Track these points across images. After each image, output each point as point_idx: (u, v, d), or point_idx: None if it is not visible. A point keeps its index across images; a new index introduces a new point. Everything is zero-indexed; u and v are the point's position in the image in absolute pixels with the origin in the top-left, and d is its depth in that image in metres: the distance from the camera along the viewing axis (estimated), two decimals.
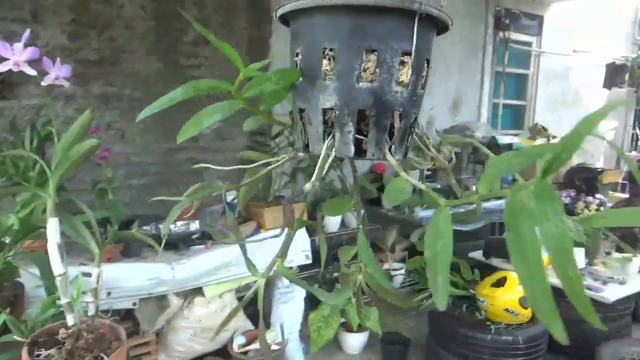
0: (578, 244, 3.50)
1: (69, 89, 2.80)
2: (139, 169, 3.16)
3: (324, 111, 0.75)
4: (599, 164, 6.09)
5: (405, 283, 3.64)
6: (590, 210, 3.67)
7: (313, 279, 3.29)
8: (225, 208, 0.90)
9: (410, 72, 0.76)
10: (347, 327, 3.13)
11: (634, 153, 7.11)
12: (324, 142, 0.75)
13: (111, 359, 0.86)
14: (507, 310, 2.76)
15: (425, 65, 0.78)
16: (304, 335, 2.98)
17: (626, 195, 4.90)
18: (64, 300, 0.87)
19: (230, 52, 0.66)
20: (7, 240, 1.12)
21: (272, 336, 2.70)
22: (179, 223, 2.68)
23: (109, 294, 2.27)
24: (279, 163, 0.93)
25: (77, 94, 2.88)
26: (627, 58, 6.46)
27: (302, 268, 3.05)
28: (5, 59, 1.00)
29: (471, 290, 3.03)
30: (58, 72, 1.07)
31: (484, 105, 5.27)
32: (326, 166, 0.73)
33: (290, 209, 0.76)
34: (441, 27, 0.79)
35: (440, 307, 0.47)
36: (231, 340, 2.67)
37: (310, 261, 2.92)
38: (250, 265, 0.85)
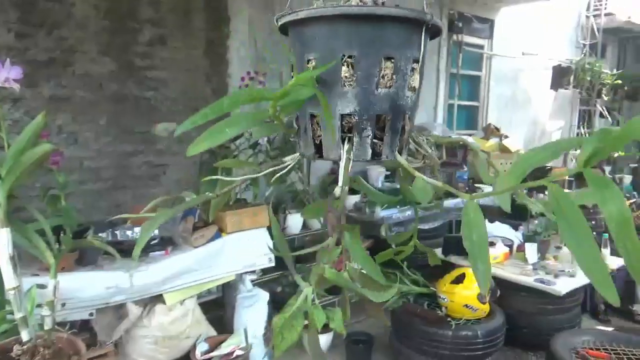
0: (530, 239, 3.64)
1: (16, 90, 2.67)
2: (93, 173, 3.05)
3: (342, 116, 0.77)
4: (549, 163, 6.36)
5: None
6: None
7: (276, 281, 3.27)
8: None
9: (418, 77, 0.82)
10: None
11: (579, 151, 7.47)
12: (342, 147, 0.77)
13: None
14: (466, 306, 2.83)
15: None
16: (268, 339, 2.95)
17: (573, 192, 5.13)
18: (17, 315, 0.83)
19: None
20: None
21: (236, 341, 2.66)
22: (136, 229, 2.60)
23: (63, 305, 2.17)
24: (285, 170, 0.93)
25: (26, 96, 2.75)
26: (572, 61, 6.79)
27: (265, 271, 3.03)
28: None
29: (432, 288, 3.09)
30: (7, 74, 1.02)
31: (439, 106, 5.41)
32: (347, 170, 0.75)
33: (336, 215, 0.75)
34: (434, 34, 0.84)
35: (482, 291, 0.54)
36: (194, 347, 2.61)
37: (273, 264, 2.90)
38: None
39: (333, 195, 0.77)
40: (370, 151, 0.79)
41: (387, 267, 3.43)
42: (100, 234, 2.44)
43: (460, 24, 5.32)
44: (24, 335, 0.85)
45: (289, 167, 0.90)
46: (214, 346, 2.63)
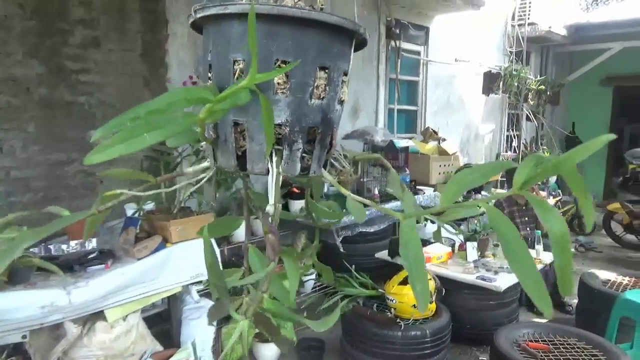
0: (470, 237, 3.79)
1: None
2: (22, 184, 2.83)
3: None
4: (481, 162, 6.67)
5: (317, 287, 3.67)
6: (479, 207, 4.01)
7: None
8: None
9: (347, 91, 0.78)
10: (260, 338, 3.08)
11: (509, 153, 7.90)
12: (271, 160, 0.71)
13: None
14: (414, 306, 2.89)
15: None
16: (217, 351, 2.86)
17: (505, 191, 5.41)
18: None
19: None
20: None
21: (184, 355, 2.56)
22: (72, 243, 2.44)
23: None
24: (198, 185, 0.86)
25: None
26: (501, 67, 7.17)
27: None
28: None
29: (380, 290, 3.14)
30: None
31: (380, 111, 5.52)
32: (278, 186, 0.70)
33: (277, 236, 0.68)
34: (357, 47, 0.81)
35: (421, 310, 0.56)
36: None
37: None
38: None
39: (267, 214, 0.71)
40: (299, 165, 0.74)
41: (336, 270, 3.45)
42: (32, 249, 2.27)
43: (398, 31, 5.46)
44: None
45: (204, 179, 0.82)
46: None
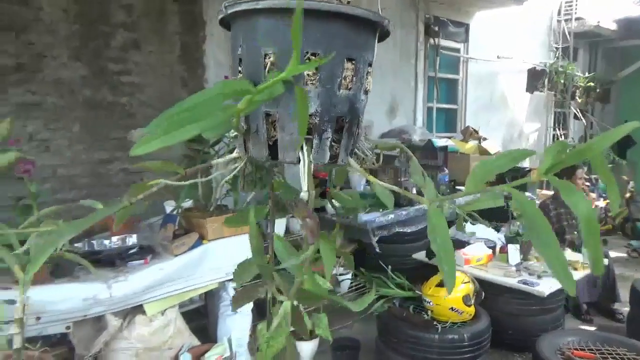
0: (512, 240, 3.66)
1: None
2: (68, 182, 2.94)
3: None
4: (525, 164, 6.46)
5: (353, 287, 3.64)
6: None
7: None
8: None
9: (371, 81, 0.80)
10: (297, 335, 3.08)
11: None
12: (301, 149, 0.73)
13: None
14: (452, 309, 2.82)
15: None
16: (253, 348, 2.89)
17: (551, 192, 5.20)
18: None
19: None
20: None
21: (220, 351, 2.58)
22: (114, 238, 2.52)
23: (38, 318, 2.08)
24: (230, 175, 0.88)
25: None
26: (546, 64, 6.92)
27: None
28: None
29: (417, 292, 3.07)
30: None
31: (418, 110, 5.43)
32: (310, 174, 0.70)
33: (316, 221, 0.70)
34: (380, 39, 0.83)
35: (448, 289, 0.59)
36: (176, 358, 2.53)
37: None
38: None
39: (301, 201, 0.73)
40: (328, 154, 0.77)
41: (372, 271, 3.41)
42: (76, 244, 2.35)
43: (437, 28, 5.37)
44: None
45: (236, 169, 0.85)
46: (197, 356, 2.55)
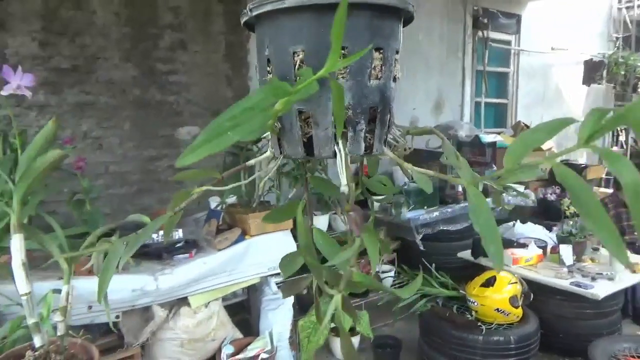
0: (564, 240, 3.50)
1: (42, 98, 2.72)
2: (119, 178, 3.08)
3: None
4: (582, 160, 6.15)
5: (395, 285, 3.60)
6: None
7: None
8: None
9: (399, 67, 0.79)
10: (337, 332, 3.08)
11: (615, 148, 7.21)
12: (336, 143, 0.73)
13: None
14: (497, 310, 2.73)
15: None
16: (294, 342, 2.92)
17: (610, 190, 4.93)
18: (30, 321, 0.81)
19: None
20: None
21: (261, 344, 2.63)
22: (161, 232, 2.61)
23: (90, 307, 2.19)
24: (269, 174, 0.89)
25: (51, 103, 2.80)
26: (604, 55, 6.55)
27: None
28: None
29: (461, 291, 3.00)
30: (20, 81, 1.01)
31: (466, 105, 5.29)
32: (348, 167, 0.71)
33: (360, 214, 0.71)
34: (405, 23, 0.82)
35: (497, 269, 0.59)
36: (219, 349, 2.59)
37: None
38: None
39: (343, 195, 0.73)
40: (363, 145, 0.77)
41: (415, 269, 3.36)
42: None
43: (486, 20, 5.19)
44: (37, 341, 0.84)
45: (273, 168, 0.85)
46: (240, 349, 2.61)
